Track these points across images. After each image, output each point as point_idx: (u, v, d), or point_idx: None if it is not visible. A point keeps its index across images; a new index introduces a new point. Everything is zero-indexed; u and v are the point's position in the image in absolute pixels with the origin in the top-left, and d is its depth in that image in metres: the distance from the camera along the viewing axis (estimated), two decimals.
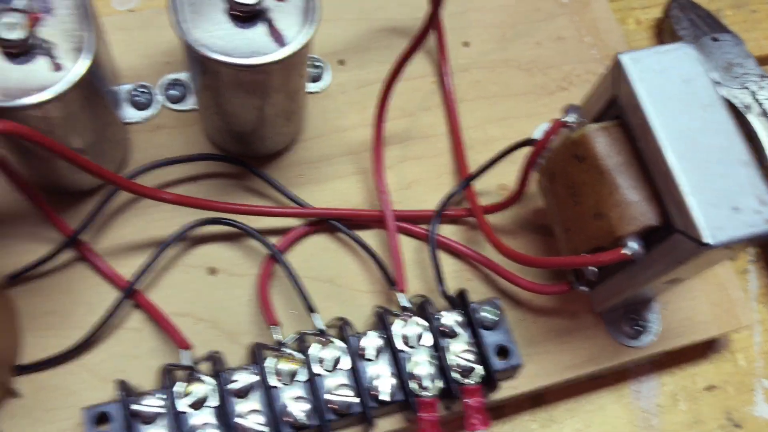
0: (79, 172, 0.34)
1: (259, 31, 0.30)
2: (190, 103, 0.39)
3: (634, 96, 0.29)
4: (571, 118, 0.33)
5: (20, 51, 0.28)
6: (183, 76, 0.39)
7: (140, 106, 0.38)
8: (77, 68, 0.28)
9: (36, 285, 0.35)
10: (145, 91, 0.38)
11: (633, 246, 0.30)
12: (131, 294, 0.34)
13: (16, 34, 0.27)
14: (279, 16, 0.30)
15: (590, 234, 0.32)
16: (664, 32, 0.48)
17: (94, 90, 0.30)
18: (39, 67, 0.28)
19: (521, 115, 0.41)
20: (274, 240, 0.36)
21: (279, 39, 0.30)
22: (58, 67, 0.28)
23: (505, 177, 0.40)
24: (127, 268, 0.35)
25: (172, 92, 0.39)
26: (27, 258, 0.35)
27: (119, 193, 0.36)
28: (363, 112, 0.40)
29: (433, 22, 0.32)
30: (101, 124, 0.33)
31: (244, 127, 0.35)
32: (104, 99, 0.32)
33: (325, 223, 0.37)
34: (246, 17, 0.30)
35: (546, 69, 0.43)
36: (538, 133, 0.41)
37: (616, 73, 0.31)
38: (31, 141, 0.28)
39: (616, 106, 0.31)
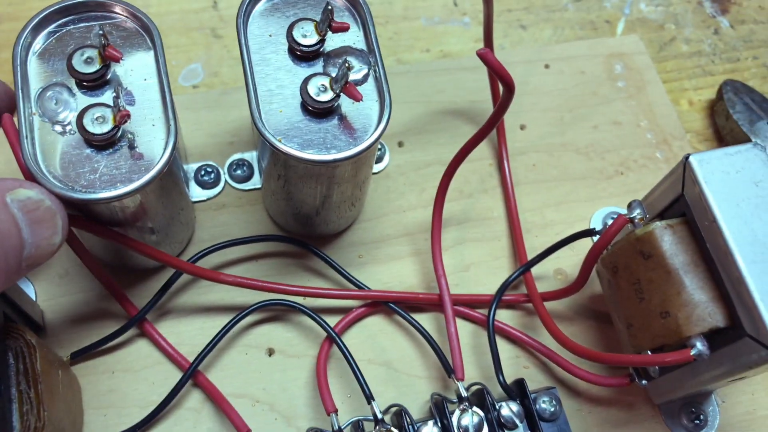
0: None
1: (332, 124, 0.31)
2: (253, 182, 0.40)
3: (703, 197, 0.29)
4: (635, 214, 0.33)
5: (107, 143, 0.29)
6: (247, 156, 0.40)
7: (206, 185, 0.39)
8: (163, 158, 0.28)
9: (98, 362, 0.35)
10: (212, 170, 0.39)
11: (700, 347, 0.29)
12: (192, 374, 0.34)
13: (104, 128, 0.28)
14: (352, 112, 0.31)
15: (656, 332, 0.31)
16: (717, 114, 0.48)
17: (173, 177, 0.31)
18: (122, 156, 0.29)
19: (579, 200, 0.41)
20: (331, 320, 0.36)
21: (350, 133, 0.31)
22: (139, 156, 0.29)
23: (561, 262, 0.40)
24: (186, 346, 0.36)
25: (237, 172, 0.40)
26: (91, 334, 0.35)
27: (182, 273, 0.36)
28: (421, 193, 0.41)
29: (499, 114, 0.32)
30: (176, 208, 0.34)
31: (310, 211, 0.36)
32: (180, 184, 0.33)
33: (382, 305, 0.37)
34: (320, 113, 0.31)
35: (603, 153, 0.43)
36: (595, 220, 0.41)
37: (684, 173, 0.31)
38: (105, 238, 0.30)
39: (682, 204, 0.31)
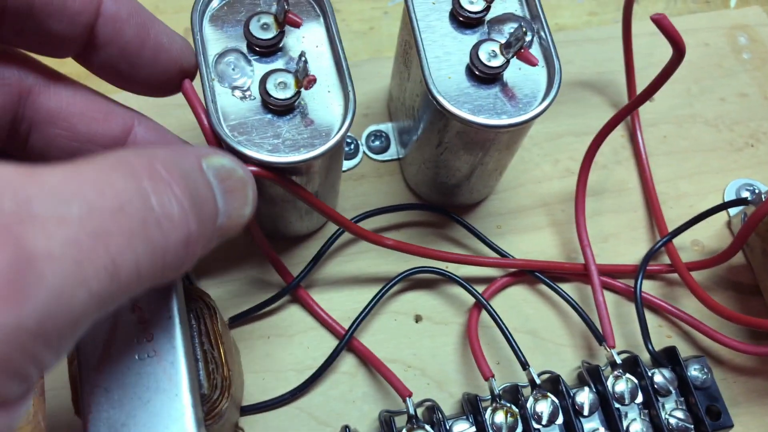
0: (303, 219, 0.35)
1: (498, 90, 0.31)
2: (390, 153, 0.40)
3: None
4: None
5: (287, 109, 0.29)
6: (383, 127, 0.40)
7: (346, 156, 0.39)
8: (345, 124, 0.29)
9: (254, 327, 0.36)
10: (351, 142, 0.40)
11: None
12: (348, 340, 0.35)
13: (286, 93, 0.29)
14: (516, 78, 0.31)
15: None
16: None
17: (339, 146, 0.32)
18: (301, 122, 0.29)
19: (711, 171, 0.41)
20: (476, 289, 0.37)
21: (517, 99, 0.31)
22: (317, 122, 0.30)
23: (697, 234, 0.40)
24: (337, 312, 0.36)
25: (374, 144, 0.40)
26: (242, 301, 0.36)
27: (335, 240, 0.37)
28: (555, 164, 0.41)
29: (664, 78, 0.33)
30: (336, 175, 0.34)
31: (460, 180, 0.36)
32: (342, 153, 0.33)
33: (525, 274, 0.38)
34: (487, 79, 0.31)
35: (732, 125, 0.43)
36: (729, 192, 0.41)
37: None
38: (295, 194, 0.30)
39: None
